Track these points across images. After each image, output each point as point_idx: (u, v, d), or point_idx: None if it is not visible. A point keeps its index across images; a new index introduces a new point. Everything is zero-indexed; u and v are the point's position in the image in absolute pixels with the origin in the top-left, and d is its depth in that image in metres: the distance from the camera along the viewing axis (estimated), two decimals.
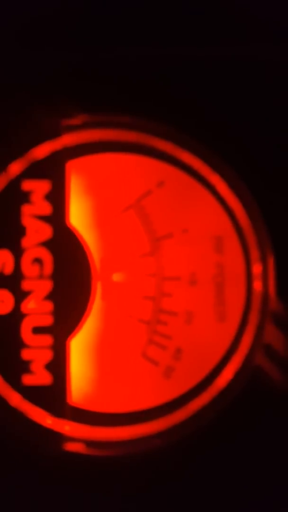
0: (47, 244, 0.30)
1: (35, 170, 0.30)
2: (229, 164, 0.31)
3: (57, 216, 0.30)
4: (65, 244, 0.30)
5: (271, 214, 0.30)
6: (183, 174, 0.31)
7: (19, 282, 0.30)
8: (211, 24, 0.31)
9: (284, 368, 0.30)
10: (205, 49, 0.31)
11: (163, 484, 0.29)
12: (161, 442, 0.30)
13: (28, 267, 0.30)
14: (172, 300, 0.30)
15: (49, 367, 0.30)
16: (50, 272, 0.30)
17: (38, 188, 0.30)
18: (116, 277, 0.30)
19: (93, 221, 0.30)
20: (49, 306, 0.30)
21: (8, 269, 0.30)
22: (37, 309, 0.30)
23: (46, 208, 0.30)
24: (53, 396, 0.29)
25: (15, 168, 0.30)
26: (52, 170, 0.30)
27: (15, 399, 0.29)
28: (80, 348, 0.30)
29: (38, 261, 0.30)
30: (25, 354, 0.29)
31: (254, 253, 0.31)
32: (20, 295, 0.30)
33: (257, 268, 0.31)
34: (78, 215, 0.30)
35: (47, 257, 0.30)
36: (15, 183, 0.30)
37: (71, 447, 0.29)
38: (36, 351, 0.29)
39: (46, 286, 0.30)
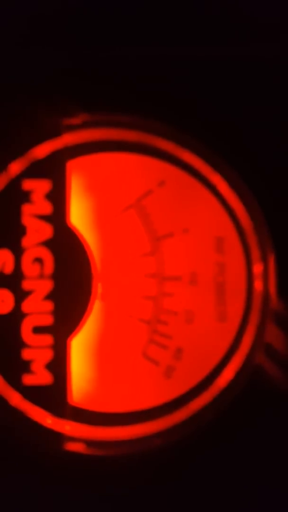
0: (47, 243, 0.30)
1: (36, 170, 0.30)
2: (230, 164, 0.31)
3: (58, 216, 0.30)
4: (65, 243, 0.30)
5: (271, 214, 0.30)
6: (184, 174, 0.31)
7: (20, 281, 0.30)
8: (211, 24, 0.31)
9: (285, 368, 0.30)
10: (206, 49, 0.31)
11: (163, 484, 0.29)
12: (161, 442, 0.30)
13: (28, 267, 0.30)
14: (173, 300, 0.30)
15: (50, 367, 0.29)
16: (51, 271, 0.30)
17: (38, 187, 0.30)
18: (117, 276, 0.30)
19: (94, 220, 0.30)
20: (49, 305, 0.30)
21: (9, 268, 0.30)
22: (38, 308, 0.30)
23: (46, 208, 0.30)
24: (54, 396, 0.29)
25: (16, 167, 0.30)
26: (53, 170, 0.30)
27: (16, 399, 0.29)
28: (80, 348, 0.30)
29: (38, 260, 0.30)
30: (26, 354, 0.29)
31: (255, 253, 0.31)
32: (20, 295, 0.30)
33: (257, 268, 0.31)
34: (79, 215, 0.30)
35: (47, 256, 0.30)
36: (15, 183, 0.30)
37: (71, 447, 0.29)
38: (36, 351, 0.29)
39: (47, 285, 0.30)
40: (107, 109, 0.30)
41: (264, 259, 0.31)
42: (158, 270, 0.30)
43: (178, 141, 0.31)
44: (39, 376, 0.29)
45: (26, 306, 0.30)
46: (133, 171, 0.30)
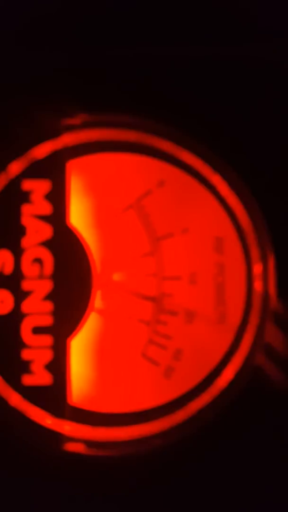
0: (47, 244, 0.30)
1: (35, 170, 0.30)
2: (230, 164, 0.31)
3: (57, 216, 0.30)
4: (65, 244, 0.30)
5: (271, 214, 0.30)
6: (183, 174, 0.31)
7: (19, 282, 0.30)
8: (211, 24, 0.30)
9: (285, 368, 0.30)
10: (205, 49, 0.31)
11: (163, 484, 0.29)
12: (161, 442, 0.30)
13: (28, 267, 0.30)
14: (173, 300, 0.30)
15: (49, 367, 0.30)
16: (50, 272, 0.30)
17: (38, 187, 0.30)
18: (116, 277, 0.30)
19: (93, 221, 0.30)
20: (49, 306, 0.30)
21: (8, 269, 0.30)
22: (37, 309, 0.30)
23: (46, 208, 0.30)
24: (53, 396, 0.29)
25: (15, 167, 0.30)
26: (52, 170, 0.30)
27: (15, 399, 0.29)
28: (80, 348, 0.30)
29: (38, 261, 0.30)
30: (25, 354, 0.29)
31: (255, 253, 0.31)
32: (20, 295, 0.30)
33: (257, 268, 0.31)
34: (78, 215, 0.30)
35: (47, 257, 0.30)
36: (15, 183, 0.30)
37: (71, 447, 0.29)
38: (36, 351, 0.29)
39: (46, 286, 0.30)
40: (106, 109, 0.30)
41: (264, 259, 0.31)
42: (157, 270, 0.30)
43: (178, 141, 0.31)
44: (38, 377, 0.29)
45: (25, 306, 0.30)
46: (132, 171, 0.30)
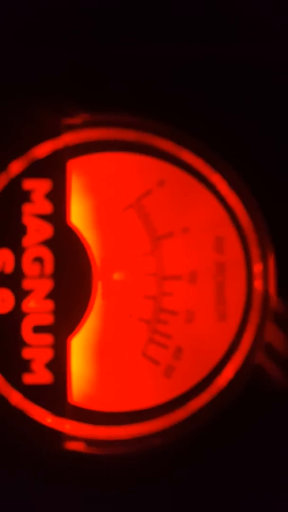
0: (47, 243, 0.30)
1: (36, 169, 0.30)
2: (230, 163, 0.31)
3: (58, 215, 0.30)
4: (65, 243, 0.30)
5: (271, 213, 0.30)
6: (183, 174, 0.31)
7: (20, 281, 0.30)
8: (211, 24, 0.31)
9: (285, 368, 0.30)
10: (206, 49, 0.31)
11: (163, 484, 0.29)
12: (161, 441, 0.30)
13: (28, 266, 0.30)
14: (173, 299, 0.30)
15: (50, 366, 0.30)
16: (51, 271, 0.30)
17: (38, 187, 0.30)
18: (117, 276, 0.30)
19: (94, 220, 0.30)
20: (49, 305, 0.30)
21: (9, 268, 0.30)
22: (38, 308, 0.30)
23: (46, 207, 0.30)
24: (54, 395, 0.29)
25: (16, 167, 0.30)
26: (53, 169, 0.30)
27: (16, 398, 0.29)
28: (80, 347, 0.30)
29: (38, 260, 0.30)
30: (26, 353, 0.29)
31: (255, 252, 0.31)
32: (20, 294, 0.30)
33: (257, 267, 0.31)
34: (79, 214, 0.30)
35: (47, 256, 0.30)
36: (15, 182, 0.30)
37: (71, 446, 0.29)
38: (36, 350, 0.30)
39: (47, 285, 0.30)
40: (107, 109, 0.30)
41: (264, 259, 0.31)
42: (158, 270, 0.30)
43: (178, 141, 0.31)
44: (39, 375, 0.29)
45: (26, 305, 0.30)
46: (133, 170, 0.30)
